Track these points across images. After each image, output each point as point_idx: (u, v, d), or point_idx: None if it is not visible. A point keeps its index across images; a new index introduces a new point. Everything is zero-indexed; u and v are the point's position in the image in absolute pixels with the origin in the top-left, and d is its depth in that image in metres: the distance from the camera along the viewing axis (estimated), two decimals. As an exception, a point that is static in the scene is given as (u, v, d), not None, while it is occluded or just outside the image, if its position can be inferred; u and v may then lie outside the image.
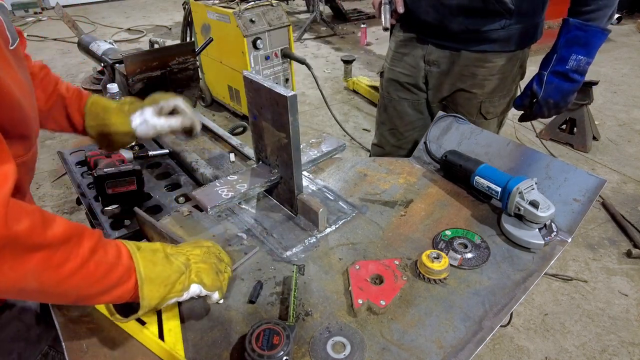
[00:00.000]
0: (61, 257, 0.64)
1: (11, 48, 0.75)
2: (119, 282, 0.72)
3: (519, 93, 1.54)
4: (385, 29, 1.54)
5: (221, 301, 0.90)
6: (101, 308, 0.88)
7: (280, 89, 0.99)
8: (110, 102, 1.14)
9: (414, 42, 1.62)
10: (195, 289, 0.83)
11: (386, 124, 1.84)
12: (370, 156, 1.97)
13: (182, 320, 0.89)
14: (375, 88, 4.19)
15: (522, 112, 1.52)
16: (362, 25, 6.15)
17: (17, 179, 0.62)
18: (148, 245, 0.81)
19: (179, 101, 1.14)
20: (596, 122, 3.61)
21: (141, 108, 1.13)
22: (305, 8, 7.64)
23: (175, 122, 1.13)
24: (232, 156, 1.46)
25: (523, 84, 1.55)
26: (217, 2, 3.51)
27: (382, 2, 1.51)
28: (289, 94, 0.96)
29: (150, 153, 1.50)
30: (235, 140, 1.55)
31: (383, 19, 1.51)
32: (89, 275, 0.68)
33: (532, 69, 1.44)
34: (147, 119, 1.12)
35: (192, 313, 0.91)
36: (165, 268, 0.78)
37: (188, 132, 1.17)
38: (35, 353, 0.96)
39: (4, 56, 0.72)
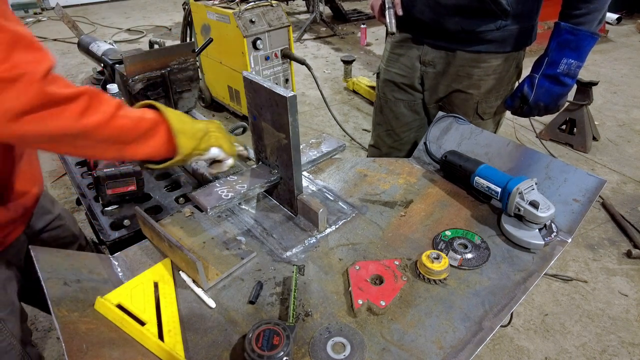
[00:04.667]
0: (96, 104, 0.77)
1: None
2: (149, 132, 0.87)
3: None
4: (392, 34, 1.54)
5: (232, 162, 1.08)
6: (100, 308, 0.88)
7: (280, 90, 0.99)
8: None
9: (409, 42, 1.62)
10: (214, 152, 1.01)
11: (382, 125, 1.84)
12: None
13: (182, 321, 0.89)
14: (375, 88, 4.19)
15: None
16: (362, 26, 6.15)
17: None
18: (172, 110, 0.94)
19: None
20: (596, 123, 3.61)
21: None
22: (305, 8, 7.64)
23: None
24: (232, 156, 1.46)
25: (520, 83, 1.55)
26: (217, 2, 3.52)
27: (386, 7, 1.50)
28: (289, 95, 0.97)
29: (150, 153, 1.50)
30: (235, 141, 1.55)
31: (388, 24, 1.50)
32: (122, 122, 0.81)
33: (530, 68, 1.44)
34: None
35: (192, 313, 0.91)
36: (193, 125, 0.95)
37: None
38: None
39: None
